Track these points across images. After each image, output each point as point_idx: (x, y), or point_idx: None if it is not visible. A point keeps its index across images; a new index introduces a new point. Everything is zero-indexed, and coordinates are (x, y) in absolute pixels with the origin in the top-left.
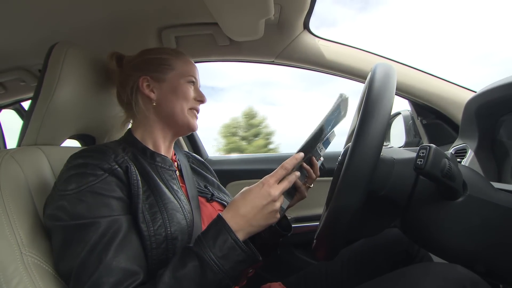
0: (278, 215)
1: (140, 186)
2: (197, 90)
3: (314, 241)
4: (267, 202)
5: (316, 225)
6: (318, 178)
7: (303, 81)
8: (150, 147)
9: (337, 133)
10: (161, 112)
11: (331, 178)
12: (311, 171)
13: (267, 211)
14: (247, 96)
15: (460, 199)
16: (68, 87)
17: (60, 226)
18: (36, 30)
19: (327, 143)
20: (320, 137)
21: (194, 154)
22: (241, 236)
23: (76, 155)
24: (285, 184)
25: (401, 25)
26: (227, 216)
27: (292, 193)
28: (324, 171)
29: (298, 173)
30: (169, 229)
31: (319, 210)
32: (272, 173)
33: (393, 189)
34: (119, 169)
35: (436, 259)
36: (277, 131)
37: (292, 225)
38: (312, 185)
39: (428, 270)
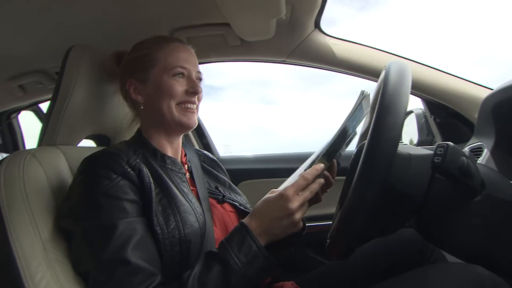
0: (300, 225)
1: (153, 188)
2: (189, 81)
3: (328, 240)
4: (283, 215)
5: (328, 225)
6: None
7: (302, 80)
8: (158, 147)
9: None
10: (151, 113)
11: (343, 177)
12: (330, 177)
13: (285, 223)
14: (246, 95)
15: (478, 198)
16: (85, 88)
17: (76, 229)
18: (53, 34)
19: (348, 142)
20: (343, 139)
21: (205, 152)
22: (262, 240)
23: (89, 159)
24: (306, 195)
25: (400, 25)
26: (250, 224)
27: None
28: (337, 170)
29: (322, 181)
30: (182, 232)
31: (331, 209)
32: (292, 183)
33: (410, 185)
34: (132, 172)
35: (451, 259)
36: (277, 131)
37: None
38: (328, 191)
39: (446, 271)
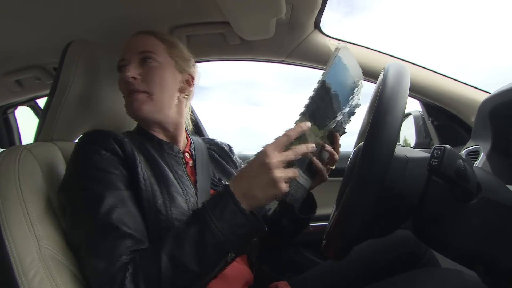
0: (282, 186)
1: (137, 157)
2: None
3: (324, 240)
4: (262, 171)
5: (324, 225)
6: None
7: (287, 82)
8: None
9: (347, 131)
10: None
11: (340, 178)
12: (334, 152)
13: (263, 181)
14: (232, 96)
15: (473, 201)
16: (83, 84)
17: (69, 201)
18: (51, 29)
19: (351, 112)
20: (325, 97)
21: (217, 140)
22: (244, 205)
23: (82, 139)
24: (289, 154)
25: (383, 33)
26: (231, 185)
27: (312, 173)
28: (335, 171)
29: (312, 146)
30: (170, 210)
31: (327, 210)
32: (272, 140)
33: (407, 188)
34: (117, 147)
35: (443, 260)
36: (262, 132)
37: None
38: (334, 167)
39: (435, 276)
